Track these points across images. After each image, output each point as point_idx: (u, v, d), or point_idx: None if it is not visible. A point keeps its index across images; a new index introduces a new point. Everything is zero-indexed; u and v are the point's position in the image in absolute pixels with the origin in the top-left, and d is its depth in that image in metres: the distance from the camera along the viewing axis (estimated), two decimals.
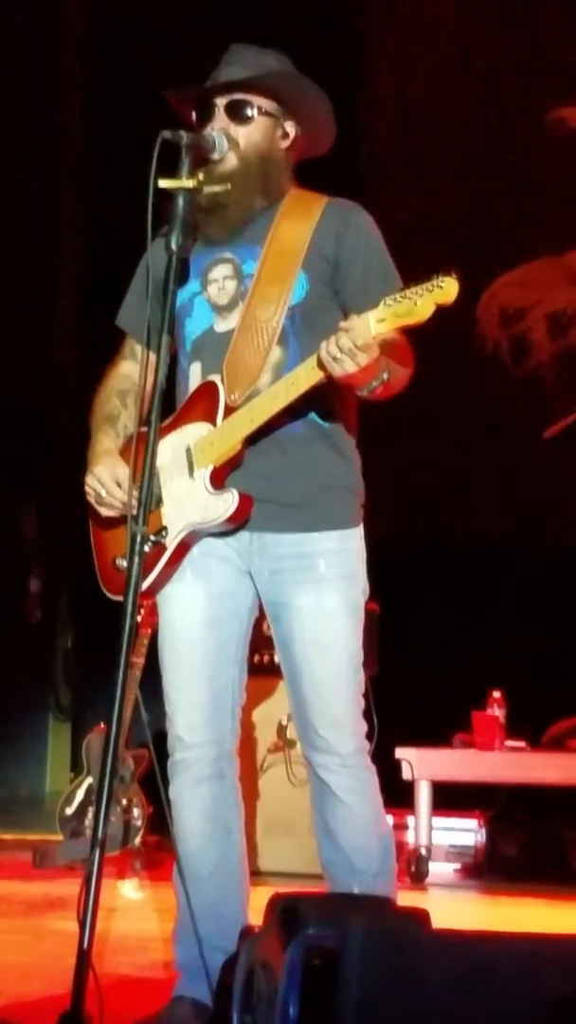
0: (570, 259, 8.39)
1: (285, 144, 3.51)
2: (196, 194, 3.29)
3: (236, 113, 3.43)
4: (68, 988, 2.90)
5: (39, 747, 9.24)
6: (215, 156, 3.38)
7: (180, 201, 3.24)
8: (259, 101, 3.44)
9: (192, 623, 3.45)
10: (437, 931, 2.42)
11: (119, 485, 3.39)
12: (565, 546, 7.38)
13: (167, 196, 3.25)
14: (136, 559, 3.08)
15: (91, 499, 3.46)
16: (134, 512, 3.29)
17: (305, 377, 3.23)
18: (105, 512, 3.46)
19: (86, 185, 9.17)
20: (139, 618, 5.14)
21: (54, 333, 9.24)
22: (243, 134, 3.43)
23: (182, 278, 3.41)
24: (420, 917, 2.49)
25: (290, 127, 3.50)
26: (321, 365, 3.16)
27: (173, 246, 3.23)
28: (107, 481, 3.41)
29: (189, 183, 3.24)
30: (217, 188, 3.38)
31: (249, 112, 3.43)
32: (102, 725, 6.43)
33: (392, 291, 3.16)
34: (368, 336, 3.08)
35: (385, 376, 3.19)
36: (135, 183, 3.31)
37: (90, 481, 3.44)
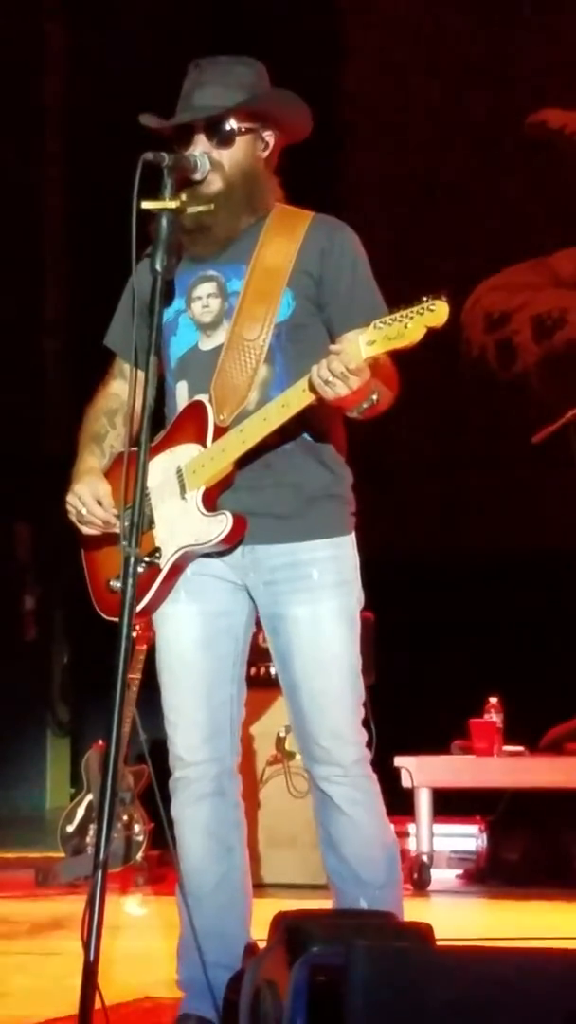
0: (553, 261, 8.41)
1: (265, 154, 3.50)
2: (179, 215, 3.30)
3: (217, 136, 3.42)
4: (74, 1010, 2.91)
5: (39, 764, 9.26)
6: (198, 176, 3.38)
7: (163, 222, 3.23)
8: (238, 122, 3.43)
9: (187, 643, 3.46)
10: (442, 948, 2.43)
11: (100, 504, 3.41)
12: (558, 551, 7.39)
13: (151, 217, 3.26)
14: (130, 581, 3.08)
15: (72, 517, 3.47)
16: (117, 530, 3.33)
17: (296, 400, 3.24)
18: (86, 530, 3.47)
19: (70, 207, 9.21)
20: (135, 634, 5.18)
21: (45, 356, 9.27)
22: (225, 156, 3.42)
23: (167, 298, 3.43)
24: (424, 933, 2.50)
25: (269, 136, 3.50)
26: (312, 388, 3.17)
27: (158, 267, 3.23)
28: (87, 499, 3.42)
29: (172, 204, 3.25)
30: (201, 208, 3.38)
31: (230, 134, 3.43)
32: (101, 742, 6.46)
33: (376, 311, 3.17)
34: (359, 359, 3.09)
35: (375, 398, 3.20)
36: (118, 205, 3.32)
37: (71, 499, 3.45)
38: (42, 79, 9.32)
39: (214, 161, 3.41)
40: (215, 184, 3.41)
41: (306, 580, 3.40)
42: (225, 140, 3.43)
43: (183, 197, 3.28)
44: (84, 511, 3.43)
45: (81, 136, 9.08)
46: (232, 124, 3.43)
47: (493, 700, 6.29)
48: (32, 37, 9.23)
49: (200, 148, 3.42)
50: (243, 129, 3.45)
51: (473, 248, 8.37)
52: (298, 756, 3.59)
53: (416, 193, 8.60)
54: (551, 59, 8.38)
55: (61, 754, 9.28)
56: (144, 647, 5.77)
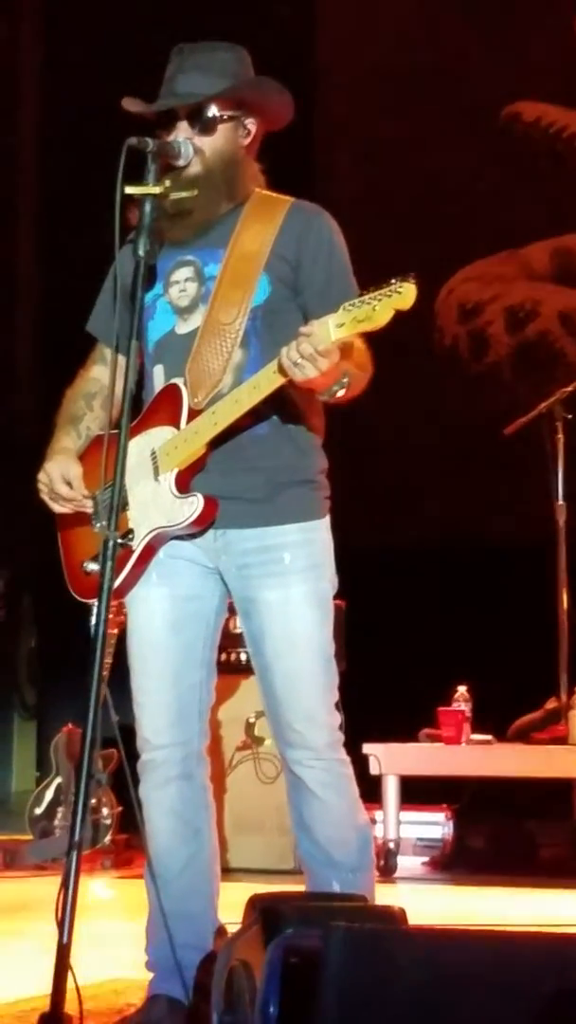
0: (528, 253, 8.44)
1: (247, 141, 3.52)
2: (162, 200, 3.31)
3: (200, 123, 3.44)
4: (45, 989, 2.92)
5: (4, 747, 9.25)
6: (180, 162, 3.39)
7: (147, 208, 3.24)
8: (221, 109, 3.45)
9: (156, 626, 3.48)
10: (417, 930, 2.46)
11: (68, 484, 3.43)
12: (527, 542, 7.42)
13: (131, 203, 3.27)
14: (109, 564, 3.10)
15: (43, 495, 3.50)
16: (87, 511, 3.37)
17: (267, 382, 3.25)
18: (56, 508, 3.50)
19: (43, 191, 9.19)
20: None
21: (16, 341, 9.25)
22: (208, 143, 3.44)
23: (148, 283, 3.44)
24: (397, 916, 2.53)
25: (250, 123, 3.52)
26: (282, 370, 3.19)
27: (140, 252, 3.24)
28: (55, 477, 3.44)
29: (156, 190, 3.26)
30: (184, 194, 3.39)
31: (212, 121, 3.44)
32: (70, 725, 6.47)
33: (351, 297, 3.18)
34: (328, 341, 3.10)
35: (346, 380, 3.21)
36: (92, 188, 3.32)
37: (40, 476, 3.49)
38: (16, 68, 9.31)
39: (196, 147, 3.42)
40: (196, 168, 3.42)
41: (278, 564, 3.42)
42: (207, 127, 3.44)
43: (167, 183, 3.29)
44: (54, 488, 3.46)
45: (55, 124, 9.07)
46: (214, 111, 3.44)
47: (461, 689, 6.32)
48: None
49: (182, 134, 3.43)
50: (225, 116, 3.46)
51: (447, 238, 8.38)
52: (267, 742, 3.61)
53: (391, 183, 8.61)
54: (528, 53, 8.40)
55: (27, 737, 9.27)
56: (115, 631, 5.77)
